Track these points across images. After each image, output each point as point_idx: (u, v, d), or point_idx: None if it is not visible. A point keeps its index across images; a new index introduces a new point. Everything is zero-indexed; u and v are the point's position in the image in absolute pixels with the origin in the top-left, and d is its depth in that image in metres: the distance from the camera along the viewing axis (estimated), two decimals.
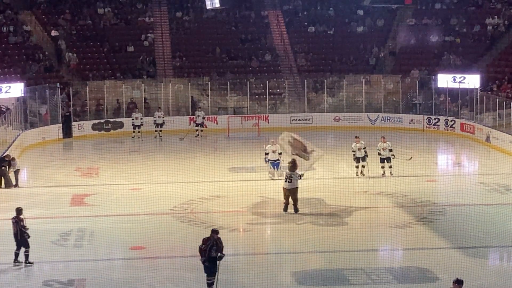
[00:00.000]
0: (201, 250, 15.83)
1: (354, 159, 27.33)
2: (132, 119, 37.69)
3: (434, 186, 26.82)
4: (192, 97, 40.81)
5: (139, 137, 37.35)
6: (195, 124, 38.11)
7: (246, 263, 18.39)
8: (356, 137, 27.57)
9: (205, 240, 15.84)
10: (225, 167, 29.19)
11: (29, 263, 17.89)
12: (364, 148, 27.14)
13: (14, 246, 17.99)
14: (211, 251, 15.70)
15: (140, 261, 18.61)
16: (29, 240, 17.90)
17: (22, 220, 18.04)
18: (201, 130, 38.04)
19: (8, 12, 43.20)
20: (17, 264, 17.94)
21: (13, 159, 27.26)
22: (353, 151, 27.31)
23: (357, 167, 27.30)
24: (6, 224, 21.78)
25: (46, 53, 41.91)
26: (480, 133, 35.04)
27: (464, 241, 17.75)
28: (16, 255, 17.97)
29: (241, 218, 22.10)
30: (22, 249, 17.92)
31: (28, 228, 17.96)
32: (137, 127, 37.51)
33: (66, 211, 23.16)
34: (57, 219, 22.17)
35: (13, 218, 18.10)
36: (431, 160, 31.83)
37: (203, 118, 38.16)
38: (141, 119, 37.66)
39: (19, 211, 18.16)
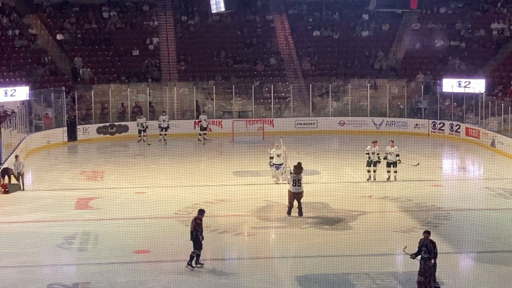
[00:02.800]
0: None
1: (367, 162, 27.15)
2: (137, 125, 37.64)
3: (439, 190, 26.77)
4: (196, 101, 40.85)
5: (144, 141, 37.36)
6: (200, 128, 38.12)
7: (250, 267, 18.36)
8: (375, 141, 27.44)
9: None
10: (229, 171, 29.20)
11: (190, 265, 17.46)
12: (378, 153, 27.07)
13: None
14: None
15: (144, 264, 18.58)
16: (202, 242, 17.46)
17: (198, 222, 17.59)
18: (205, 134, 38.03)
19: (13, 15, 43.30)
20: (197, 266, 17.60)
21: (17, 157, 27.19)
22: (366, 153, 27.16)
23: (368, 171, 27.22)
24: (10, 227, 21.87)
25: (51, 56, 41.97)
26: (485, 137, 34.97)
27: (469, 246, 17.69)
28: (192, 257, 17.55)
29: (246, 222, 22.07)
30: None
31: (199, 231, 17.48)
32: (142, 131, 37.52)
33: (71, 215, 23.16)
34: (61, 222, 22.17)
35: (194, 217, 17.86)
36: (436, 165, 31.76)
37: (206, 121, 38.19)
38: (146, 123, 37.66)
39: (200, 212, 17.79)
